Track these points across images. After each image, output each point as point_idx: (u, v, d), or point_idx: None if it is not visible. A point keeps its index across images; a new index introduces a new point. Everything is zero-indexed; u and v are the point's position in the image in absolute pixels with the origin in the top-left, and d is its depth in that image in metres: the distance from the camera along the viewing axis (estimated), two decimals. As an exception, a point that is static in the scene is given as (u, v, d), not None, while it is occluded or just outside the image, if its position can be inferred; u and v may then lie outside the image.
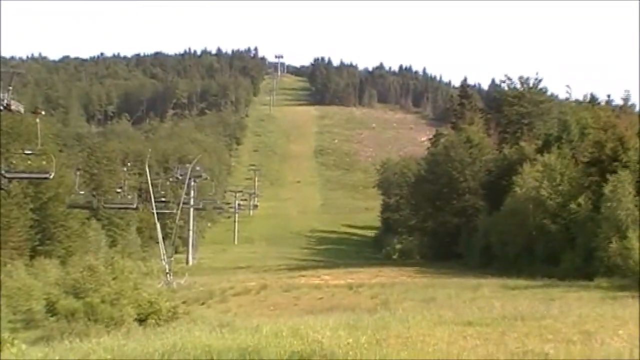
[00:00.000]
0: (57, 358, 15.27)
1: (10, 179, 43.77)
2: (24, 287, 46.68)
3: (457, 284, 47.76)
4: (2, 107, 36.09)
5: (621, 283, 41.95)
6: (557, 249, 58.89)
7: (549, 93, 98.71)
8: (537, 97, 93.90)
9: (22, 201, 62.25)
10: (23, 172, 42.96)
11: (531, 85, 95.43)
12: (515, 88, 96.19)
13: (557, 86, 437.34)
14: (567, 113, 77.32)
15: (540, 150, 71.46)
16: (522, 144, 79.15)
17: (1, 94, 35.64)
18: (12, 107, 36.68)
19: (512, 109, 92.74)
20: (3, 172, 41.12)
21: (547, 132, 79.88)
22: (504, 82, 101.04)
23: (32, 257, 60.59)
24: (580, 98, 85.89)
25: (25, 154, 42.79)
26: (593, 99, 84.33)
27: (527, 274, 52.95)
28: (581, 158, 65.61)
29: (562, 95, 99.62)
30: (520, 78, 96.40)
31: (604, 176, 56.62)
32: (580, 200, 58.77)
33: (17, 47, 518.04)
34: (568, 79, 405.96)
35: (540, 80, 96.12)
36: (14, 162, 42.77)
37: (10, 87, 36.40)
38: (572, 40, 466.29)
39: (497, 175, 79.05)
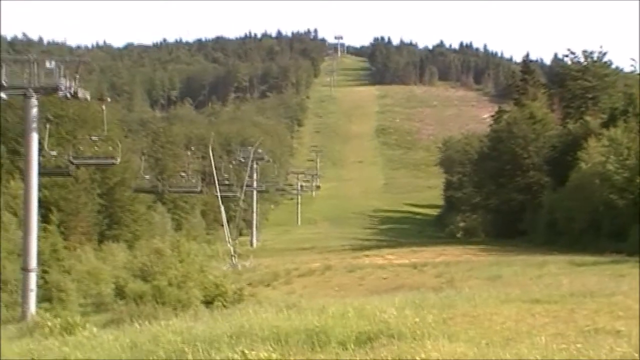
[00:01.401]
0: (127, 340, 15.52)
1: (77, 165, 44.53)
2: (93, 271, 47.72)
3: (522, 262, 47.29)
4: (69, 95, 36.69)
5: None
6: (625, 224, 57.86)
7: (613, 66, 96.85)
8: (601, 70, 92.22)
9: (89, 187, 63.37)
10: (90, 158, 43.59)
11: (595, 58, 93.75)
12: (578, 62, 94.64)
13: (621, 59, 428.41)
14: (633, 86, 75.88)
15: (605, 125, 70.29)
16: (587, 118, 77.91)
17: (68, 82, 36.22)
18: (79, 95, 37.29)
19: (576, 84, 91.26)
20: (71, 158, 41.84)
21: (612, 105, 78.46)
22: (567, 56, 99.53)
23: (100, 242, 61.75)
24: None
25: (91, 140, 43.43)
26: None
27: (594, 250, 52.21)
28: (648, 131, 64.36)
29: (627, 69, 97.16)
30: (584, 52, 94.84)
31: (672, 149, 55.51)
32: (648, 174, 57.69)
33: (83, 36, 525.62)
34: (633, 53, 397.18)
35: (604, 54, 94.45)
36: (81, 148, 43.41)
37: (77, 75, 36.98)
38: (635, 13, 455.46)
39: (561, 150, 77.90)
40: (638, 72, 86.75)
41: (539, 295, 20.19)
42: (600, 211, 61.73)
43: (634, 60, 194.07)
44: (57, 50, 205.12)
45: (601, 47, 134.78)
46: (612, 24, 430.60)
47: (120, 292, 37.76)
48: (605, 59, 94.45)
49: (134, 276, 38.62)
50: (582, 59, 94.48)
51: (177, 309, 32.69)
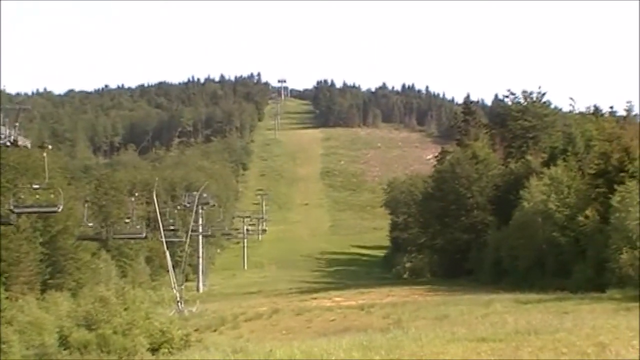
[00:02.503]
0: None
1: (19, 214, 43.87)
2: (36, 322, 46.75)
3: (469, 301, 47.67)
4: (9, 143, 36.24)
5: (634, 294, 41.71)
6: (568, 261, 58.75)
7: (552, 106, 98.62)
8: (541, 110, 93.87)
9: (31, 235, 62.35)
10: (32, 206, 43.02)
11: (534, 99, 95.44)
12: (518, 102, 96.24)
13: (560, 99, 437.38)
14: (572, 125, 77.34)
15: (546, 164, 71.46)
16: (528, 157, 79.17)
17: (8, 130, 35.80)
18: (19, 143, 36.85)
19: (516, 124, 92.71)
20: (12, 207, 41.21)
21: (552, 145, 79.80)
22: (507, 97, 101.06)
23: (43, 291, 60.63)
24: (584, 110, 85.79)
25: (33, 188, 42.89)
26: (597, 111, 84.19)
27: (539, 287, 52.89)
28: (587, 170, 65.57)
29: (565, 108, 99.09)
30: (524, 92, 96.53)
31: (611, 187, 56.53)
32: (588, 212, 58.69)
33: (22, 83, 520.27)
34: (571, 92, 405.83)
35: (543, 94, 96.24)
36: (23, 196, 42.82)
37: (17, 123, 36.56)
38: (573, 53, 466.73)
39: (504, 189, 78.96)
40: (576, 111, 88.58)
41: (484, 334, 20.38)
42: (544, 249, 62.59)
43: (572, 99, 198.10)
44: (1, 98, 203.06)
45: (540, 87, 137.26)
46: (550, 64, 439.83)
47: (64, 342, 37.11)
48: (545, 99, 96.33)
49: (78, 325, 38.00)
50: (522, 100, 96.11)
51: (123, 357, 32.27)
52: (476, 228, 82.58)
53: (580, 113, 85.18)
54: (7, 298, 51.55)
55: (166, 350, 35.17)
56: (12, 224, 46.40)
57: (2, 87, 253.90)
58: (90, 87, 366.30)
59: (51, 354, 38.45)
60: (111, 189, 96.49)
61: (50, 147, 58.33)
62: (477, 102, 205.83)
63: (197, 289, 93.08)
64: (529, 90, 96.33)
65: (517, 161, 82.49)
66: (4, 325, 43.25)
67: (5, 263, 55.78)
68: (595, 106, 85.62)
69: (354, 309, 50.79)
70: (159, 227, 74.94)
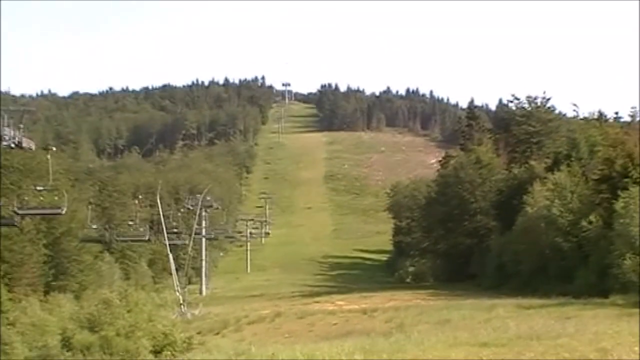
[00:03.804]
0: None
1: (22, 216, 43.98)
2: (39, 323, 46.82)
3: (471, 305, 47.63)
4: (13, 145, 36.36)
5: (636, 299, 41.63)
6: (571, 266, 58.66)
7: (556, 111, 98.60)
8: (545, 115, 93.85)
9: (35, 237, 62.43)
10: (35, 208, 43.14)
11: (539, 104, 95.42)
12: (522, 107, 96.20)
13: (564, 104, 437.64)
14: (576, 131, 77.25)
15: (550, 169, 71.43)
16: (532, 163, 79.13)
17: (12, 132, 35.90)
18: (24, 145, 36.97)
19: (520, 129, 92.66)
20: (15, 209, 41.31)
21: (556, 150, 79.76)
22: (511, 101, 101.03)
23: (46, 293, 60.69)
24: (588, 115, 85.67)
25: (37, 190, 43.00)
26: (601, 116, 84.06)
27: (542, 292, 52.81)
28: (591, 175, 65.51)
29: (570, 114, 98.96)
30: (528, 97, 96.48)
31: (615, 193, 56.44)
32: (592, 217, 58.65)
33: (27, 85, 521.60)
34: (575, 97, 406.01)
35: (548, 99, 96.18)
36: (26, 198, 42.94)
37: (21, 125, 36.68)
38: (577, 58, 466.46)
39: (507, 195, 78.88)
40: (580, 117, 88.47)
41: (487, 339, 20.40)
42: (547, 254, 62.50)
43: (576, 105, 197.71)
44: (1, 99, 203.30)
45: (544, 92, 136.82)
46: (555, 69, 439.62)
47: (67, 344, 37.15)
48: (549, 104, 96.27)
49: (81, 327, 38.06)
50: (526, 105, 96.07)
51: (126, 359, 32.29)
52: (479, 233, 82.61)
53: (585, 118, 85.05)
54: (10, 299, 51.62)
55: (169, 352, 35.22)
56: (15, 226, 46.53)
57: (6, 89, 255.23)
58: (94, 90, 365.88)
59: (54, 355, 38.48)
60: (115, 192, 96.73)
61: (54, 149, 58.44)
62: (481, 106, 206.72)
63: (200, 292, 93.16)
64: (533, 96, 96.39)
65: (520, 166, 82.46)
66: (6, 327, 43.34)
67: (9, 264, 55.88)
68: (599, 112, 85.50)
69: (357, 312, 50.81)
70: (162, 229, 75.12)
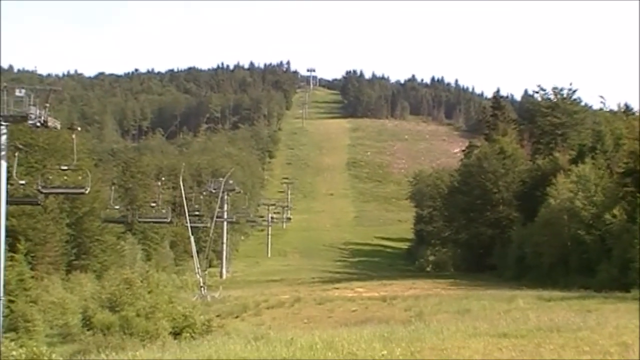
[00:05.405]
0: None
1: (46, 194, 44.22)
2: (60, 302, 47.17)
3: (491, 296, 47.49)
4: (39, 124, 36.52)
5: (658, 294, 41.36)
6: (593, 259, 58.36)
7: (582, 103, 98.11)
8: (570, 107, 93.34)
9: (58, 216, 62.82)
10: (59, 187, 43.32)
11: (565, 95, 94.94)
12: (548, 98, 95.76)
13: (591, 96, 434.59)
14: (601, 123, 76.80)
15: (574, 161, 71.04)
16: (556, 154, 78.74)
17: (38, 111, 36.06)
18: (49, 124, 37.10)
19: (545, 120, 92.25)
20: (40, 187, 41.53)
21: (581, 142, 79.35)
22: (537, 92, 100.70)
23: (68, 272, 61.12)
24: (614, 108, 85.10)
25: (61, 169, 43.19)
26: (627, 109, 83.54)
27: (563, 285, 52.65)
28: (616, 168, 65.09)
29: (596, 106, 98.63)
30: (554, 89, 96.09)
31: (639, 187, 56.07)
32: (615, 211, 58.25)
33: (54, 65, 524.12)
34: (602, 89, 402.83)
35: (574, 91, 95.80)
36: (51, 177, 43.11)
37: (47, 104, 36.82)
38: (605, 50, 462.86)
39: (530, 186, 78.58)
40: (606, 109, 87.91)
41: (506, 330, 20.30)
42: (569, 247, 62.24)
43: (602, 97, 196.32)
44: (27, 78, 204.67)
45: (571, 84, 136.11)
46: (582, 60, 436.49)
47: (87, 323, 37.44)
48: (575, 96, 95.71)
49: (102, 307, 38.32)
50: (552, 96, 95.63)
51: (145, 340, 32.49)
52: (501, 223, 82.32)
53: (611, 111, 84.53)
54: (32, 277, 52.00)
55: (188, 334, 35.37)
56: (40, 204, 46.79)
57: (33, 68, 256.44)
58: (120, 71, 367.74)
59: (74, 334, 38.79)
60: (138, 173, 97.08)
61: (79, 129, 58.53)
62: (507, 97, 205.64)
63: (221, 275, 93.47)
64: (559, 87, 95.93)
65: (544, 158, 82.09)
66: (29, 304, 43.68)
67: (32, 243, 56.22)
68: (625, 104, 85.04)
69: (376, 300, 50.79)
70: (184, 212, 75.29)
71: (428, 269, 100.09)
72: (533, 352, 16.15)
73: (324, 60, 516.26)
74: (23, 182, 41.81)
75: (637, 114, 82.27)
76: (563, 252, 62.76)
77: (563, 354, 15.76)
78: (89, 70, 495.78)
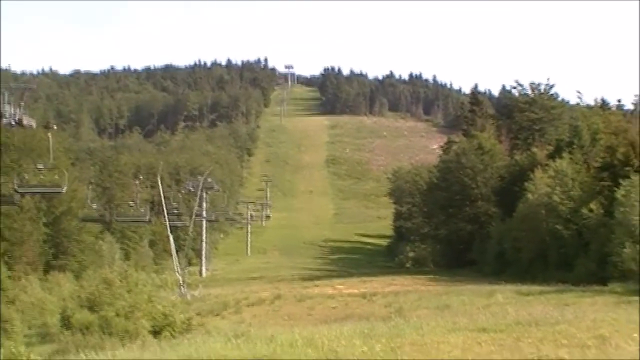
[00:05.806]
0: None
1: (22, 194, 43.93)
2: (38, 302, 46.94)
3: (471, 291, 47.75)
4: (14, 122, 36.27)
5: (635, 287, 41.69)
6: (571, 254, 58.75)
7: (559, 98, 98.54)
8: (548, 102, 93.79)
9: (35, 216, 62.50)
10: (36, 186, 43.05)
11: (542, 90, 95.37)
12: (526, 94, 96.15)
13: (568, 92, 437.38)
14: (578, 118, 77.19)
15: (551, 156, 71.40)
16: (534, 149, 79.15)
17: (13, 110, 35.80)
18: (24, 122, 36.87)
19: (523, 115, 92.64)
20: (16, 187, 41.25)
21: (558, 137, 79.77)
22: (514, 88, 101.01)
23: (46, 272, 60.81)
24: (591, 103, 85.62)
25: (37, 168, 42.93)
26: (604, 104, 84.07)
27: (541, 279, 52.94)
28: (593, 163, 65.54)
29: (573, 101, 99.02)
30: (531, 84, 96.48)
31: (616, 181, 56.44)
32: (592, 205, 58.66)
33: (28, 63, 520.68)
34: (578, 85, 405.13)
35: (551, 86, 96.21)
36: (27, 177, 42.83)
37: (22, 103, 36.57)
38: (582, 46, 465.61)
39: (509, 181, 78.92)
40: (583, 104, 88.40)
41: (485, 324, 20.42)
42: (547, 241, 62.57)
43: (579, 92, 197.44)
44: (1, 76, 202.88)
45: (548, 79, 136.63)
46: (559, 56, 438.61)
47: (66, 323, 37.23)
48: (552, 91, 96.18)
49: (80, 306, 38.11)
50: (529, 91, 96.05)
51: (125, 339, 32.33)
52: (480, 219, 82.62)
53: (587, 106, 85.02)
54: (10, 278, 51.73)
55: (168, 333, 35.24)
56: (15, 204, 46.50)
57: (7, 66, 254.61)
58: (96, 69, 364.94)
59: (53, 334, 38.59)
60: (115, 172, 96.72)
61: (55, 127, 58.28)
62: (484, 92, 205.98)
63: (200, 274, 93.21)
64: (536, 82, 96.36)
65: (522, 153, 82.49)
66: (6, 305, 43.43)
67: (9, 243, 55.97)
68: (602, 99, 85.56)
69: (356, 297, 50.90)
70: (163, 211, 75.04)
71: (408, 265, 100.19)
72: (512, 346, 16.24)
73: (302, 57, 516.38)
74: (-1, 182, 41.53)
75: (613, 109, 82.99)
76: (541, 246, 63.11)
77: (541, 347, 15.86)
78: (64, 68, 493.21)
